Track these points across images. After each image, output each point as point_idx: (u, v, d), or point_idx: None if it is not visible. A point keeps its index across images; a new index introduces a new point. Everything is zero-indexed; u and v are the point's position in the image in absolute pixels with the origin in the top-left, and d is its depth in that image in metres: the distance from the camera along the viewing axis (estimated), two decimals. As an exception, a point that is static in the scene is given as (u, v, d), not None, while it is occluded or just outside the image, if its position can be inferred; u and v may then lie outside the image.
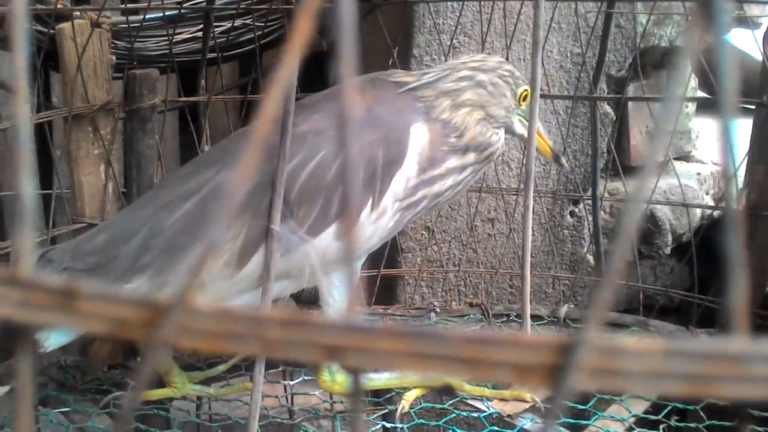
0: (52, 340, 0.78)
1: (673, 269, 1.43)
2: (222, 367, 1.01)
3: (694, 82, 1.47)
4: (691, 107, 1.47)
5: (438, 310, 1.18)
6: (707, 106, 1.46)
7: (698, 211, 1.33)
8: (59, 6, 0.90)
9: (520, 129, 0.88)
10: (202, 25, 1.05)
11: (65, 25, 0.91)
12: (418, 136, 0.82)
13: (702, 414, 0.90)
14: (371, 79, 0.88)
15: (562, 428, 0.88)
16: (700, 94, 1.55)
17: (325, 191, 0.79)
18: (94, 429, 0.84)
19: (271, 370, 1.01)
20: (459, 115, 0.83)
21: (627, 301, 1.28)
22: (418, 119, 0.83)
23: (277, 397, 1.02)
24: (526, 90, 0.85)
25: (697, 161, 1.45)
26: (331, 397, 1.00)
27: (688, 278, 1.34)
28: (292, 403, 1.05)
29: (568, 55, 1.22)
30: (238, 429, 0.85)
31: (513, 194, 1.20)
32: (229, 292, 0.82)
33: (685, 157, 1.43)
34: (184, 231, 0.77)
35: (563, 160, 0.96)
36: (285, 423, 1.02)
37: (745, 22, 1.33)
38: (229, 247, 0.78)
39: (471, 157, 0.86)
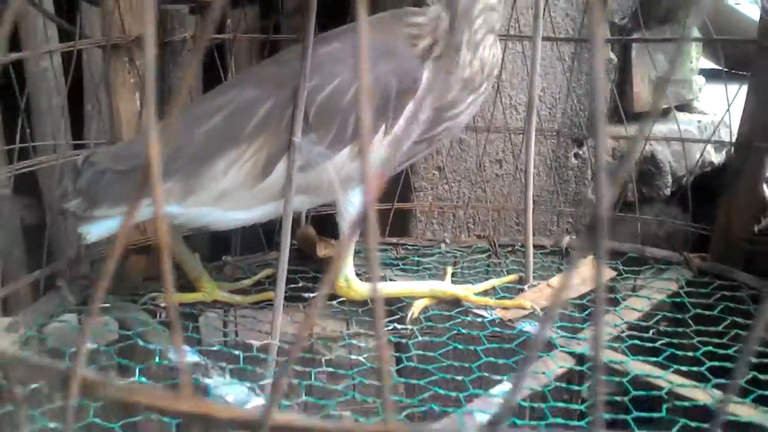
0: (94, 233, 0.86)
1: (676, 216, 1.50)
2: (247, 282, 1.09)
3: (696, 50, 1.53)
4: (695, 62, 1.53)
5: (447, 241, 1.26)
6: (714, 76, 1.53)
7: (697, 157, 1.40)
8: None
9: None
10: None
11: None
12: (430, 71, 0.89)
13: (690, 321, 0.97)
14: (390, 15, 0.95)
15: (559, 331, 0.95)
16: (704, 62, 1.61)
17: (341, 113, 0.86)
18: (134, 319, 0.93)
19: (293, 303, 1.08)
20: (478, 56, 0.91)
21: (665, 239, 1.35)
22: (427, 59, 0.90)
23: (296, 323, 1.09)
24: None
25: (699, 112, 1.51)
26: (347, 327, 1.07)
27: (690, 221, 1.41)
28: (312, 335, 1.12)
29: (573, 3, 1.28)
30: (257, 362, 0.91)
31: (520, 134, 1.27)
32: (253, 201, 0.90)
33: (688, 107, 1.49)
34: (208, 144, 0.85)
35: None
36: (305, 355, 1.09)
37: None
38: (254, 158, 0.86)
39: (483, 88, 0.93)
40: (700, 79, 1.52)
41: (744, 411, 0.77)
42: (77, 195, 0.83)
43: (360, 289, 0.98)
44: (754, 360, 0.86)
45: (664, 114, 1.41)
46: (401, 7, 1.17)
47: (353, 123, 0.87)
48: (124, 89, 1.08)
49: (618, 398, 0.83)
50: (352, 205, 0.95)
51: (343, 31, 0.94)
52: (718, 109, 1.52)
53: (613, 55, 1.32)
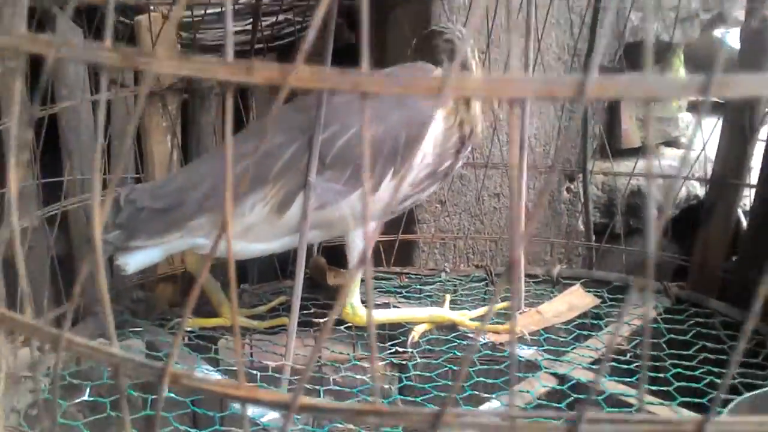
0: (132, 264, 0.97)
1: (665, 247, 1.60)
2: (263, 308, 1.20)
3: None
4: (683, 102, 1.64)
5: (448, 270, 1.37)
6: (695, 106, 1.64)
7: (683, 192, 1.50)
8: (137, 2, 1.11)
9: None
10: (251, 20, 1.25)
11: (142, 17, 1.12)
12: (437, 124, 1.00)
13: (664, 345, 1.07)
14: (409, 67, 1.07)
15: (545, 354, 1.05)
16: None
17: (356, 159, 0.97)
18: (163, 342, 1.04)
19: (305, 329, 1.19)
20: (472, 112, 1.02)
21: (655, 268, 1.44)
22: (438, 110, 1.01)
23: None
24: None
25: (685, 147, 1.62)
26: (354, 350, 1.17)
27: (678, 252, 1.51)
28: (321, 357, 1.22)
29: (565, 48, 1.40)
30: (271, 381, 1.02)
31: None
32: (273, 234, 1.01)
33: (675, 142, 1.60)
34: (239, 185, 0.96)
35: None
36: (315, 375, 1.19)
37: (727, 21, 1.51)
38: (273, 197, 0.97)
39: (475, 138, 1.05)
40: (687, 116, 1.62)
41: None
42: (117, 228, 0.94)
43: (364, 315, 1.08)
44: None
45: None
46: (406, 51, 1.28)
47: (381, 166, 0.98)
48: (157, 132, 1.20)
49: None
50: (360, 239, 1.06)
51: None
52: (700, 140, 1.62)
53: (601, 98, 1.43)
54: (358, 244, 1.06)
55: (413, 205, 1.15)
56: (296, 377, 1.01)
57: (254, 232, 0.98)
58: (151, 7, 1.12)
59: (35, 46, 0.33)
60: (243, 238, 0.97)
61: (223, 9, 1.27)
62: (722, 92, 0.28)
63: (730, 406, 0.76)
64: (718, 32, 1.70)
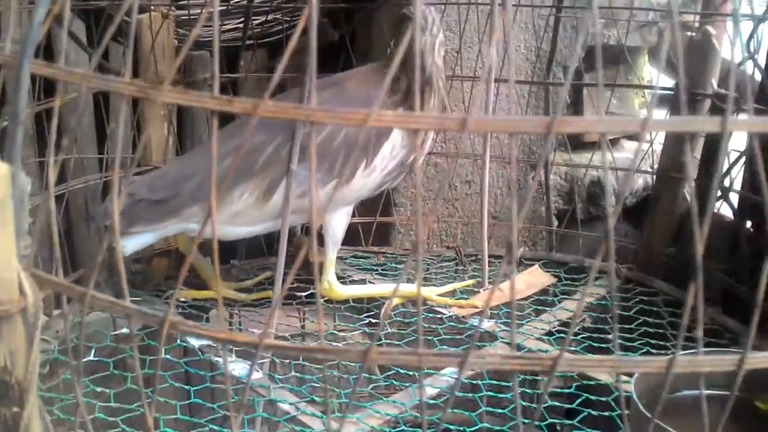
0: (129, 247, 1.08)
1: (627, 233, 1.72)
2: (249, 282, 1.32)
3: (650, 75, 1.76)
4: (647, 97, 1.76)
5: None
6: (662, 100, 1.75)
7: (640, 181, 1.62)
8: (140, 2, 1.22)
9: None
10: (242, 19, 1.36)
11: (143, 17, 1.22)
12: None
13: (609, 320, 1.19)
14: (375, 68, 1.17)
15: (501, 326, 1.18)
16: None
17: (331, 153, 1.09)
18: (161, 310, 1.15)
19: (287, 301, 1.30)
20: (439, 97, 1.13)
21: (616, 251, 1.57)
22: (400, 106, 1.12)
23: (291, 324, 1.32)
24: None
25: (646, 141, 1.73)
26: (335, 320, 1.29)
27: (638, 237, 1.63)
28: (304, 327, 1.34)
29: (533, 49, 1.51)
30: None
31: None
32: (257, 219, 1.12)
33: (636, 137, 1.72)
34: (227, 176, 1.07)
35: None
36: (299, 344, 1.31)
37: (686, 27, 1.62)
38: (258, 186, 1.08)
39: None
40: (648, 112, 1.74)
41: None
42: (118, 216, 1.05)
43: (340, 291, 1.20)
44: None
45: (612, 143, 1.64)
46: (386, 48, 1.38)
47: (340, 162, 1.09)
48: (155, 120, 1.31)
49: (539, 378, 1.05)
50: (335, 222, 1.18)
51: (332, 83, 1.17)
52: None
53: (566, 94, 1.54)
54: (334, 227, 1.18)
55: (386, 190, 1.27)
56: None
57: (241, 217, 1.09)
58: (152, 7, 1.23)
59: (71, 77, 0.45)
60: (230, 222, 1.09)
61: (218, 8, 1.38)
62: (563, 129, 0.39)
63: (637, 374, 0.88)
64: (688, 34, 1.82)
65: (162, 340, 0.45)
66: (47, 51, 1.30)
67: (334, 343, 1.18)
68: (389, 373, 1.07)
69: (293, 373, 1.09)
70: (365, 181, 1.13)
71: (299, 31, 0.41)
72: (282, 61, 0.42)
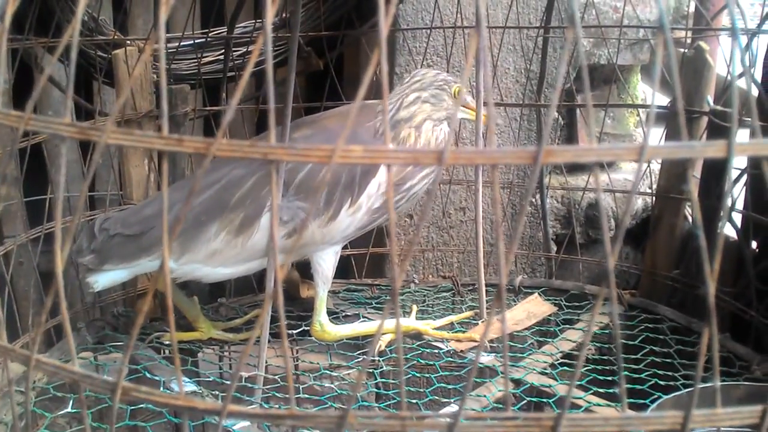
0: (101, 282, 1.04)
1: (627, 255, 1.68)
2: (239, 321, 1.27)
3: (644, 93, 1.72)
4: (642, 116, 1.72)
5: (417, 281, 1.44)
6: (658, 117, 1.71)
7: (640, 202, 1.58)
8: (115, 37, 1.18)
9: (461, 114, 1.13)
10: (223, 50, 1.32)
11: (119, 51, 1.19)
12: None
13: (614, 350, 1.14)
14: (360, 106, 1.12)
15: (502, 360, 1.12)
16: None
17: (312, 192, 1.04)
18: (142, 355, 1.10)
19: (279, 339, 1.25)
20: (421, 133, 1.08)
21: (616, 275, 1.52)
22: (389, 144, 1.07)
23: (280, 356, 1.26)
24: (457, 86, 1.10)
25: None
26: (329, 359, 1.24)
27: (640, 262, 1.59)
28: (297, 367, 1.29)
29: (522, 71, 1.48)
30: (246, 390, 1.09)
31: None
32: (237, 260, 1.07)
33: (632, 157, 1.68)
34: (204, 212, 1.02)
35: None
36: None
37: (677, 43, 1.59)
38: (231, 222, 1.02)
39: (431, 167, 1.11)
40: (643, 131, 1.70)
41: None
42: (91, 252, 1.01)
43: (332, 331, 1.15)
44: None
45: (609, 165, 1.59)
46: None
47: (323, 199, 1.04)
48: (135, 156, 1.27)
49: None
50: (323, 261, 1.13)
51: (312, 121, 1.12)
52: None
53: (558, 115, 1.51)
54: (322, 266, 1.13)
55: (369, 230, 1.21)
56: (269, 386, 1.08)
57: (220, 256, 1.04)
58: (128, 42, 1.19)
59: (7, 119, 0.40)
60: (208, 262, 1.03)
61: (197, 41, 1.36)
62: (550, 160, 0.35)
63: (653, 406, 0.83)
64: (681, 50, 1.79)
65: (115, 411, 0.40)
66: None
67: (326, 384, 1.12)
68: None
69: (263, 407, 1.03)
70: (350, 219, 1.07)
71: (232, 111, 0.37)
72: (234, 98, 0.37)
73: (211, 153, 0.37)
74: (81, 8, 0.42)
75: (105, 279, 1.03)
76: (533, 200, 1.54)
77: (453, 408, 1.02)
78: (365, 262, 1.45)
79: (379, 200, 1.07)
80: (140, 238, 1.01)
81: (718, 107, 1.18)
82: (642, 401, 1.01)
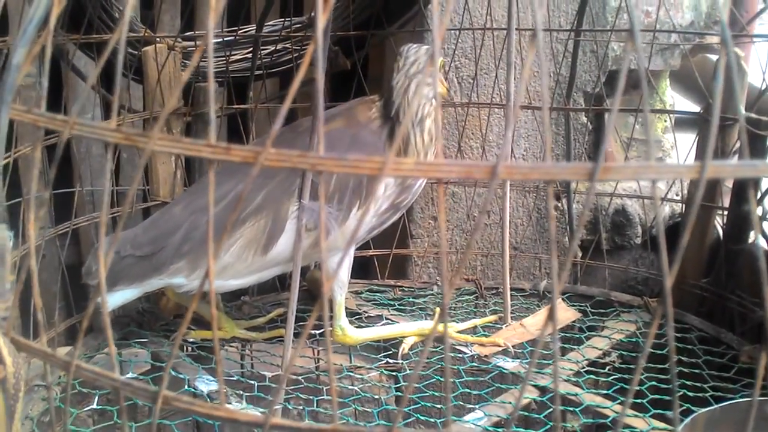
0: (111, 303, 1.03)
1: (652, 262, 1.66)
2: (262, 320, 1.27)
3: (672, 99, 1.70)
4: (669, 121, 1.70)
5: (440, 284, 1.43)
6: (682, 122, 1.69)
7: (667, 209, 1.56)
8: (145, 34, 1.18)
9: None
10: (251, 48, 1.32)
11: (149, 49, 1.19)
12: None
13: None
14: (359, 103, 1.11)
15: (527, 366, 1.11)
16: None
17: (342, 190, 1.03)
18: (167, 353, 1.10)
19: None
20: (425, 130, 1.07)
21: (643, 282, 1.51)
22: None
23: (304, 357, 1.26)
24: (442, 60, 1.08)
25: (671, 166, 1.67)
26: (350, 360, 1.23)
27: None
28: (318, 368, 1.28)
29: (552, 75, 1.46)
30: (269, 390, 1.08)
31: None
32: (247, 272, 1.05)
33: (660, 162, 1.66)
34: (215, 226, 1.01)
35: None
36: (311, 385, 1.25)
37: (709, 48, 1.57)
38: (243, 236, 1.01)
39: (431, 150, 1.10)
40: (670, 137, 1.68)
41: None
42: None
43: (353, 335, 1.14)
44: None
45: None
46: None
47: (334, 204, 1.03)
48: (162, 153, 1.28)
49: (569, 425, 0.99)
50: (336, 266, 1.12)
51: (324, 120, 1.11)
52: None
53: (586, 119, 1.49)
54: (336, 269, 1.12)
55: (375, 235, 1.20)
56: (293, 387, 1.08)
57: (231, 270, 1.04)
58: (157, 39, 1.19)
59: (52, 123, 0.40)
60: (220, 276, 1.03)
61: (225, 38, 1.35)
62: (606, 177, 0.34)
63: (687, 420, 0.82)
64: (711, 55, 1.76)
65: (156, 416, 0.39)
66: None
67: (349, 386, 1.12)
68: (408, 420, 1.01)
69: (307, 421, 1.03)
70: (360, 222, 1.07)
71: (305, 65, 0.36)
72: (274, 127, 0.37)
73: (259, 162, 0.36)
74: (129, 8, 0.41)
75: (116, 299, 1.02)
76: (558, 204, 1.53)
77: (477, 414, 1.01)
78: (388, 262, 1.44)
79: (387, 202, 1.07)
80: (151, 258, 1.00)
81: (753, 114, 1.16)
82: (671, 412, 0.99)
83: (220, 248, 1.00)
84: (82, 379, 1.04)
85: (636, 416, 0.98)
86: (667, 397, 1.02)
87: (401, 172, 0.35)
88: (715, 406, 0.85)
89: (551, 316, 0.36)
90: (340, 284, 1.12)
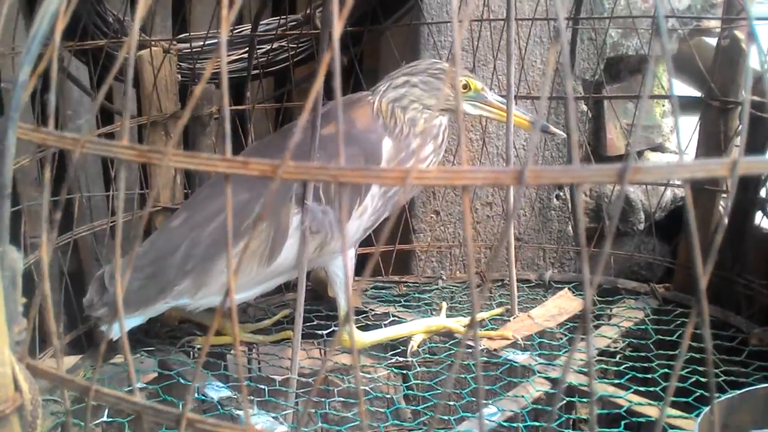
0: (116, 331, 1.01)
1: (654, 247, 1.66)
2: (268, 322, 1.26)
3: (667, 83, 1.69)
4: (668, 106, 1.69)
5: (444, 278, 1.42)
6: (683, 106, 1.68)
7: (668, 194, 1.55)
8: (140, 37, 1.17)
9: (473, 110, 1.09)
10: (247, 48, 1.30)
11: (144, 52, 1.17)
12: (386, 148, 1.05)
13: (651, 346, 1.12)
14: (357, 99, 1.10)
15: (538, 359, 1.11)
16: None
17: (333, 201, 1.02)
18: (175, 361, 1.09)
19: (309, 340, 1.24)
20: (408, 113, 1.06)
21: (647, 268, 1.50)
22: (384, 135, 1.06)
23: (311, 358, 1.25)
24: (464, 79, 1.07)
25: (670, 152, 1.67)
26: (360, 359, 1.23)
27: (668, 254, 1.56)
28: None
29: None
30: (279, 394, 1.07)
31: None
32: (248, 286, 1.04)
33: (660, 147, 1.65)
34: (213, 244, 0.99)
35: (552, 128, 1.13)
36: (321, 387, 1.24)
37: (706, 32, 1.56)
38: (242, 251, 1.00)
39: (429, 147, 1.09)
40: (670, 122, 1.67)
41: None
42: (104, 306, 0.98)
43: (361, 339, 1.13)
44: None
45: (637, 156, 1.57)
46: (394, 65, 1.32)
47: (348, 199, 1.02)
48: (158, 159, 1.26)
49: (583, 416, 0.98)
50: (340, 269, 1.11)
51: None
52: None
53: (585, 107, 1.48)
54: (339, 274, 1.11)
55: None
56: (302, 390, 1.07)
57: (249, 277, 1.02)
58: (152, 42, 1.18)
59: (61, 142, 0.39)
60: (221, 293, 1.01)
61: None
62: (637, 178, 0.33)
63: (705, 410, 0.82)
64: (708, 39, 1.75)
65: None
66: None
67: (361, 386, 1.11)
68: (422, 419, 1.00)
69: (320, 424, 1.03)
70: (358, 222, 1.06)
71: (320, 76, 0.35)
72: (295, 135, 0.36)
73: (278, 176, 0.35)
74: (138, 18, 0.40)
75: (119, 329, 1.00)
76: (561, 194, 1.52)
77: (491, 409, 1.00)
78: (392, 259, 1.43)
79: (382, 199, 1.06)
80: (153, 281, 0.99)
81: (755, 97, 1.15)
82: (684, 399, 0.99)
83: (218, 265, 0.97)
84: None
85: (650, 404, 0.98)
86: (680, 384, 1.02)
87: (425, 180, 0.34)
88: (733, 393, 0.85)
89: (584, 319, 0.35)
90: (344, 288, 1.11)
